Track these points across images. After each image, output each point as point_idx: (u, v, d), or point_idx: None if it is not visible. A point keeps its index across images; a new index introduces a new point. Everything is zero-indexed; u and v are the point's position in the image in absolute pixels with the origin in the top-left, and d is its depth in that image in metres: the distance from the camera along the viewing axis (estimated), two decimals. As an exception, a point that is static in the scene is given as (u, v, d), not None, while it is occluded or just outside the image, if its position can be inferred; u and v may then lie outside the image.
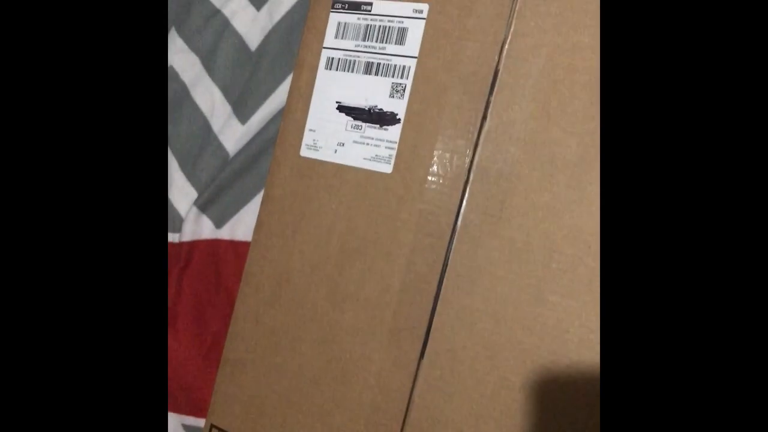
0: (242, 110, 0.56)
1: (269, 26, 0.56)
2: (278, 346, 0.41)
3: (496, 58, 0.36)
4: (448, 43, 0.38)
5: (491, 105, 0.37)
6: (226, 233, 0.55)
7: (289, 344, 0.41)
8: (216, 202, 0.56)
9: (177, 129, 0.59)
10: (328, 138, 0.41)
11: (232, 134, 0.56)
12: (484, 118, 0.37)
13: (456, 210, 0.37)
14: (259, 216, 0.43)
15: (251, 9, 0.57)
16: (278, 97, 0.55)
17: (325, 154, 0.41)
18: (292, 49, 0.55)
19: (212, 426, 0.44)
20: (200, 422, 0.54)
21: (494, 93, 0.36)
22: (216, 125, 0.57)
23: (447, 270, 0.37)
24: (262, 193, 0.54)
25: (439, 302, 0.37)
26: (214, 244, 0.56)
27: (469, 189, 0.37)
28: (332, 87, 0.41)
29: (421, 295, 0.37)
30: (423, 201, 0.38)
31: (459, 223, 0.37)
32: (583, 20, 0.35)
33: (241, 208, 0.55)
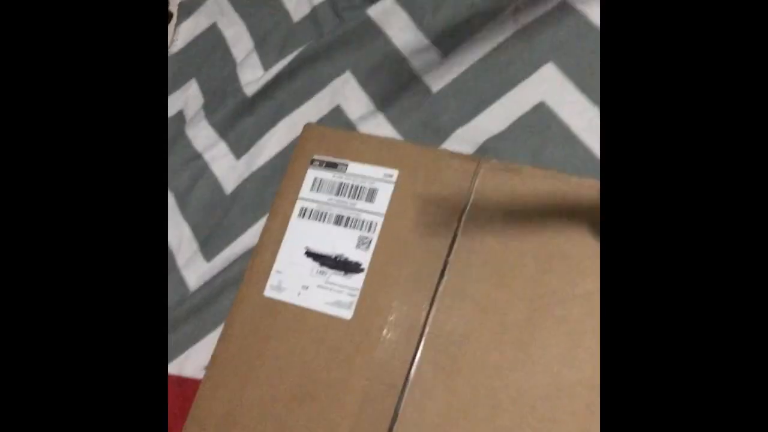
0: (209, 248, 0.58)
1: (246, 174, 0.60)
2: (216, 489, 0.40)
3: (456, 223, 0.40)
4: (413, 205, 0.42)
5: (449, 264, 0.40)
6: (174, 369, 0.55)
7: (228, 488, 0.40)
8: (169, 336, 0.56)
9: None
10: (294, 280, 0.43)
11: (196, 270, 0.57)
12: (442, 275, 0.40)
13: (410, 360, 0.38)
14: (215, 351, 0.44)
15: (231, 157, 0.61)
16: (246, 239, 0.57)
17: (289, 296, 0.43)
18: (264, 196, 0.58)
19: None
20: None
21: (452, 254, 0.40)
22: (181, 260, 0.59)
23: (397, 420, 0.38)
24: (217, 331, 0.54)
25: (386, 452, 0.37)
26: (160, 378, 0.55)
27: (424, 341, 0.39)
28: (303, 234, 0.44)
29: (369, 444, 0.38)
30: (379, 349, 0.39)
31: (412, 373, 0.38)
32: (532, 198, 0.40)
33: (193, 344, 0.55)
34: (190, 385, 0.54)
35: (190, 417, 0.43)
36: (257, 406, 0.41)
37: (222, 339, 0.43)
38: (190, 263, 0.58)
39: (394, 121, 0.55)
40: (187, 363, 0.54)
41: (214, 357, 0.43)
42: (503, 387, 0.36)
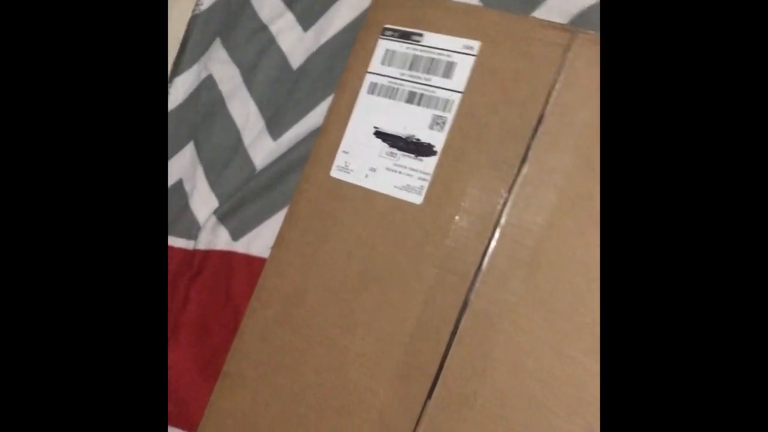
0: (276, 127, 0.56)
1: (314, 48, 0.56)
2: (281, 366, 0.40)
3: (543, 102, 0.36)
4: (495, 82, 0.37)
5: (532, 149, 0.36)
6: (241, 247, 0.55)
7: (292, 366, 0.40)
8: (236, 214, 0.55)
9: (208, 137, 0.58)
10: (361, 162, 0.40)
11: (262, 149, 0.56)
12: (524, 161, 0.36)
13: (483, 250, 0.36)
14: (280, 231, 0.42)
15: (298, 29, 0.57)
16: (313, 118, 0.54)
17: (356, 178, 0.40)
18: (333, 72, 0.55)
19: (202, 441, 0.42)
20: (188, 437, 0.53)
21: (536, 137, 0.36)
22: (247, 138, 0.57)
23: (466, 312, 0.36)
24: (283, 211, 0.53)
25: (453, 344, 0.36)
26: (228, 256, 0.55)
27: (500, 231, 0.36)
28: (372, 112, 0.41)
29: (437, 333, 0.36)
30: (450, 237, 0.37)
31: (485, 264, 0.36)
32: (635, 76, 0.34)
33: (260, 223, 0.54)
34: (257, 264, 0.54)
35: (254, 296, 0.42)
36: (322, 289, 0.40)
37: (287, 219, 0.42)
38: (257, 142, 0.56)
39: (477, -12, 0.49)
40: (255, 242, 0.54)
41: (279, 237, 0.42)
42: (587, 284, 0.33)
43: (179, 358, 0.54)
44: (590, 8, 0.45)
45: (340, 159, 0.41)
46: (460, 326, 0.36)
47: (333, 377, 0.38)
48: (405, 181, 0.39)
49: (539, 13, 0.47)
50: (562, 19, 0.46)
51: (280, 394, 0.40)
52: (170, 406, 0.54)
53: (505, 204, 0.36)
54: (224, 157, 0.57)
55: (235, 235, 0.55)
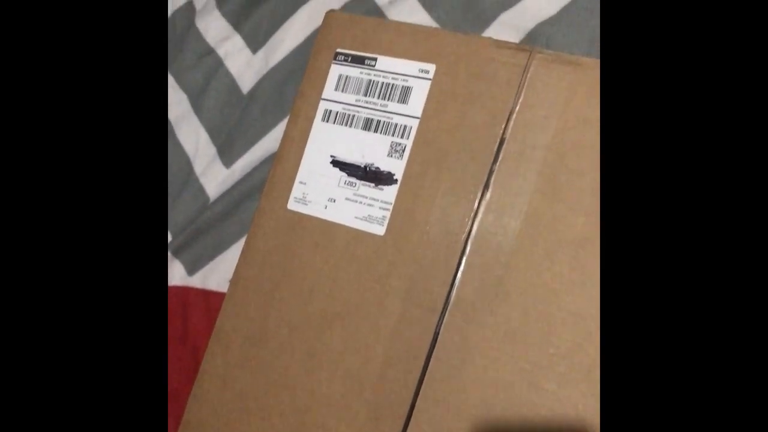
0: (228, 154, 0.54)
1: (264, 70, 0.54)
2: (245, 412, 0.38)
3: (503, 126, 0.35)
4: (453, 106, 0.36)
5: (494, 174, 0.35)
6: (197, 281, 0.52)
7: (257, 411, 0.38)
8: (190, 247, 0.53)
9: (157, 167, 0.56)
10: (320, 193, 0.39)
11: (215, 177, 0.54)
12: (486, 187, 0.35)
13: (450, 281, 0.35)
14: (237, 268, 0.40)
15: (247, 51, 0.55)
16: (266, 144, 0.52)
17: (315, 210, 0.39)
18: (284, 96, 0.53)
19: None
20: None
21: (498, 162, 0.35)
22: (198, 167, 0.55)
23: (436, 347, 0.34)
24: (240, 243, 0.51)
25: (425, 380, 0.34)
26: (184, 291, 0.53)
27: (465, 260, 0.35)
28: (328, 140, 0.39)
29: (406, 371, 0.35)
30: (415, 269, 0.35)
31: (452, 296, 0.34)
32: (593, 95, 0.34)
33: (216, 256, 0.52)
34: (215, 298, 0.52)
35: (213, 336, 0.40)
36: (284, 328, 0.38)
37: (244, 255, 0.40)
38: (209, 170, 0.54)
39: (429, 6, 0.48)
40: (211, 275, 0.52)
41: (236, 275, 0.40)
42: (557, 311, 0.32)
43: (136, 402, 0.51)
44: (544, 23, 0.45)
45: (297, 190, 0.39)
46: (431, 363, 0.34)
47: (299, 421, 0.36)
48: (366, 211, 0.37)
49: (492, 31, 0.46)
50: (517, 34, 0.45)
51: (245, 443, 0.37)
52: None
53: (470, 232, 0.35)
54: (176, 187, 0.55)
55: (191, 270, 0.53)
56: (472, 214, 0.35)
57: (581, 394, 0.31)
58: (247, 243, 0.40)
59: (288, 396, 0.37)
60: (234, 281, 0.40)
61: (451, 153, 0.36)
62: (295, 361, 0.37)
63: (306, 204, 0.39)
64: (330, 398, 0.36)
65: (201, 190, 0.54)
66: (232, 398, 0.38)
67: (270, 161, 0.52)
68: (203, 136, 0.55)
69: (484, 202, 0.35)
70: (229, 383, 0.39)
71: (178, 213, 0.54)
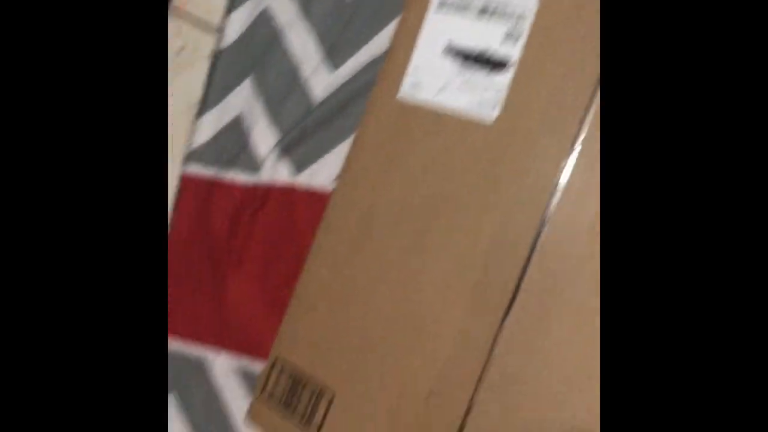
0: (334, 57, 0.55)
1: (372, -25, 0.55)
2: (352, 291, 0.40)
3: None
4: (573, -9, 0.36)
5: (613, 58, 0.34)
6: (303, 180, 0.55)
7: (364, 291, 0.40)
8: (298, 146, 0.55)
9: (266, 71, 0.58)
10: (432, 80, 0.39)
11: (322, 80, 0.55)
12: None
13: (561, 166, 0.35)
14: (348, 156, 0.42)
15: (354, -43, 0.56)
16: (373, 47, 0.53)
17: (427, 97, 0.39)
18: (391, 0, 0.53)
19: (276, 359, 0.43)
20: (255, 365, 0.54)
21: (618, 46, 0.34)
22: (306, 70, 0.56)
23: (544, 229, 0.35)
24: (345, 143, 0.53)
25: (532, 260, 0.35)
26: (291, 189, 0.55)
27: (579, 146, 0.35)
28: (442, 29, 0.40)
29: (514, 252, 0.36)
30: (526, 154, 0.36)
31: (562, 180, 0.35)
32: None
33: (322, 156, 0.54)
34: (319, 197, 0.54)
35: (322, 224, 0.42)
36: (392, 214, 0.40)
37: (355, 142, 0.42)
38: (315, 74, 0.56)
39: None
40: (317, 175, 0.54)
41: (348, 161, 0.42)
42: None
43: (245, 290, 0.55)
44: None
45: (409, 79, 0.40)
46: (538, 244, 0.35)
47: (407, 300, 0.38)
48: (478, 98, 0.38)
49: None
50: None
51: (353, 319, 0.40)
52: (231, 333, 0.55)
53: (583, 120, 0.35)
54: (283, 90, 0.57)
55: (298, 169, 0.55)
56: (588, 101, 0.35)
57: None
58: (358, 132, 0.42)
59: (395, 278, 0.39)
60: (344, 169, 0.42)
61: (566, 43, 0.36)
62: (403, 246, 0.39)
63: (418, 91, 0.40)
64: (437, 278, 0.38)
65: (308, 93, 0.56)
66: (340, 278, 0.41)
67: (376, 64, 0.53)
68: (311, 40, 0.57)
69: (596, 93, 0.35)
70: (337, 264, 0.41)
71: (286, 115, 0.56)
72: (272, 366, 0.43)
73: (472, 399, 0.35)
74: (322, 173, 0.54)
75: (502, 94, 0.37)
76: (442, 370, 0.36)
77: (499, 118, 0.37)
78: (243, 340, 0.55)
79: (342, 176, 0.42)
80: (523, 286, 0.35)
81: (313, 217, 0.54)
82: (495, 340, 0.35)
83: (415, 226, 0.38)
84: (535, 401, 0.34)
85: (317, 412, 0.41)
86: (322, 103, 0.55)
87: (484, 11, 0.38)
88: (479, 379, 0.35)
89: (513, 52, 0.37)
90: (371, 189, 0.41)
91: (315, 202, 0.54)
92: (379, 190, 0.40)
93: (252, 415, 0.44)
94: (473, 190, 0.37)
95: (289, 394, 0.42)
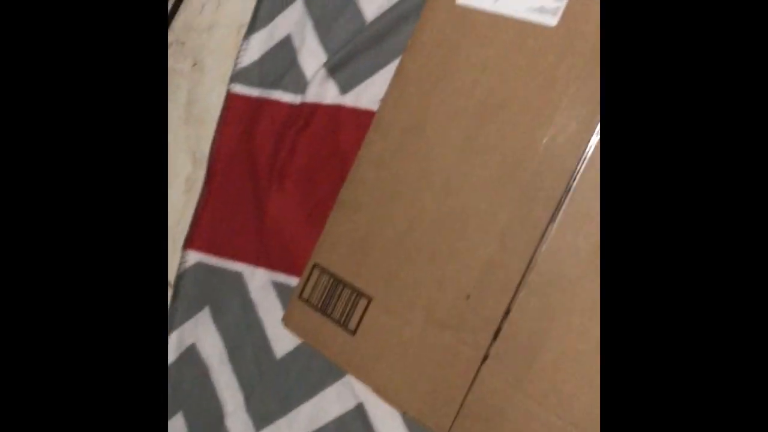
0: (384, -22, 0.54)
1: None
2: (398, 192, 0.40)
3: None
4: None
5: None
6: (350, 100, 0.55)
7: (410, 192, 0.40)
8: (345, 67, 0.55)
9: (317, -9, 0.58)
10: (492, -15, 0.39)
11: (373, 1, 0.55)
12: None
13: (600, 85, 0.34)
14: (401, 61, 0.42)
15: None
16: (428, -32, 0.53)
17: (486, 3, 0.39)
18: None
19: (315, 265, 0.43)
20: (291, 280, 0.55)
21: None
22: (359, -10, 0.56)
23: (594, 136, 0.34)
24: (392, 64, 0.53)
25: (583, 165, 0.35)
26: (337, 109, 0.55)
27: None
28: (506, -67, 0.39)
29: (566, 157, 0.35)
30: (585, 58, 0.35)
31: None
32: None
33: (370, 76, 0.54)
34: (366, 117, 0.54)
35: (372, 128, 0.42)
36: (444, 118, 0.39)
37: (410, 47, 0.41)
38: (369, -7, 0.55)
39: None
40: (364, 94, 0.54)
41: (401, 66, 0.42)
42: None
43: (286, 206, 0.56)
44: None
45: (468, -16, 0.40)
46: (591, 147, 0.35)
47: (451, 201, 0.38)
48: (539, 2, 0.37)
49: None
50: None
51: (396, 219, 0.40)
52: (272, 250, 0.56)
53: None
54: (334, 10, 0.57)
55: (344, 89, 0.55)
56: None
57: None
58: (413, 37, 0.41)
59: (442, 179, 0.39)
60: (397, 73, 0.42)
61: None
62: (452, 148, 0.39)
63: (477, -3, 0.39)
64: (484, 182, 0.37)
65: (359, 12, 0.55)
66: (387, 179, 0.41)
67: (430, -16, 0.52)
68: (365, -40, 0.56)
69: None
70: (384, 166, 0.41)
71: (335, 35, 0.56)
72: (310, 272, 0.44)
73: (510, 302, 0.35)
74: (369, 93, 0.54)
75: (563, 2, 0.36)
76: (483, 273, 0.36)
77: (559, 22, 0.36)
78: (281, 257, 0.56)
79: (394, 79, 0.42)
80: (572, 193, 0.35)
81: (358, 137, 0.54)
82: (538, 247, 0.35)
83: (468, 128, 0.38)
84: (573, 305, 0.33)
85: (353, 316, 0.41)
86: (372, 23, 0.54)
87: None
88: (519, 284, 0.35)
89: (578, -44, 0.36)
90: (423, 95, 0.40)
91: (361, 121, 0.54)
92: (431, 96, 0.40)
93: (287, 319, 0.45)
94: (529, 96, 0.37)
95: (326, 299, 0.43)
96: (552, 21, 0.36)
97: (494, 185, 0.37)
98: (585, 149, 0.35)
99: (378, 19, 0.54)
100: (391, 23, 0.53)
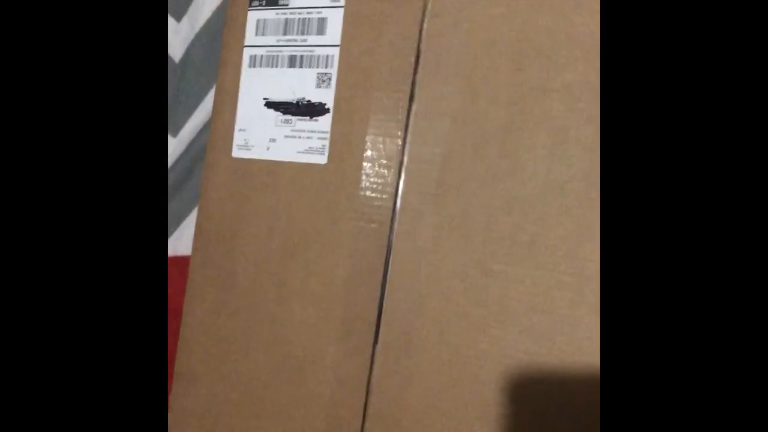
0: (172, 123, 0.55)
1: (191, 36, 0.55)
2: (228, 353, 0.40)
3: (417, 37, 0.37)
4: (368, 28, 0.38)
5: (417, 85, 0.37)
6: (169, 250, 0.54)
7: (239, 350, 0.40)
8: (154, 219, 0.54)
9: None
10: (259, 136, 0.40)
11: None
12: (411, 98, 0.37)
13: (394, 193, 0.37)
14: (197, 223, 0.42)
15: (171, 21, 0.56)
16: (207, 105, 0.54)
17: (258, 153, 0.40)
18: (215, 55, 0.54)
19: (170, 444, 0.42)
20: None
21: (418, 73, 0.37)
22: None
23: (391, 254, 0.37)
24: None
25: (386, 287, 0.37)
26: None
27: (405, 170, 0.37)
28: (258, 84, 0.41)
29: (369, 282, 0.37)
30: (361, 188, 0.37)
31: (398, 205, 0.37)
32: (497, -6, 0.35)
33: (180, 222, 0.54)
34: (187, 263, 0.53)
35: (187, 290, 0.42)
36: (250, 268, 0.40)
37: (201, 209, 0.42)
38: (158, 142, 0.55)
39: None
40: (180, 241, 0.54)
41: (198, 228, 0.42)
42: (493, 198, 0.35)
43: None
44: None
45: (238, 138, 0.41)
46: (389, 270, 0.37)
47: (280, 350, 0.39)
48: (306, 144, 0.39)
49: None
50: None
51: (234, 380, 0.40)
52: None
53: (404, 143, 0.37)
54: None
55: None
56: (404, 126, 0.37)
57: (526, 270, 0.34)
58: (201, 197, 0.42)
59: (265, 330, 0.39)
60: (196, 236, 0.42)
61: (374, 73, 0.38)
62: (266, 296, 0.39)
63: (249, 149, 0.41)
64: (304, 323, 0.38)
65: (153, 163, 0.55)
66: (214, 343, 0.41)
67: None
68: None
69: (412, 113, 0.37)
70: (208, 330, 0.41)
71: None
72: (169, 448, 0.43)
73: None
74: (185, 240, 0.53)
75: (327, 137, 0.38)
76: (328, 415, 0.37)
77: (329, 159, 0.38)
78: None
79: (195, 243, 0.42)
80: (384, 314, 0.36)
81: (184, 284, 0.53)
82: (370, 373, 0.36)
83: (275, 278, 0.39)
84: (417, 424, 0.35)
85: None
86: (170, 170, 0.54)
87: (293, 61, 0.40)
88: (364, 414, 0.36)
89: (328, 94, 0.39)
90: (225, 250, 0.41)
91: (183, 268, 0.54)
92: (233, 249, 0.41)
93: None
94: (320, 232, 0.38)
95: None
96: (322, 159, 0.38)
97: (315, 325, 0.38)
98: (384, 271, 0.37)
99: (173, 166, 0.54)
100: (187, 168, 0.53)
